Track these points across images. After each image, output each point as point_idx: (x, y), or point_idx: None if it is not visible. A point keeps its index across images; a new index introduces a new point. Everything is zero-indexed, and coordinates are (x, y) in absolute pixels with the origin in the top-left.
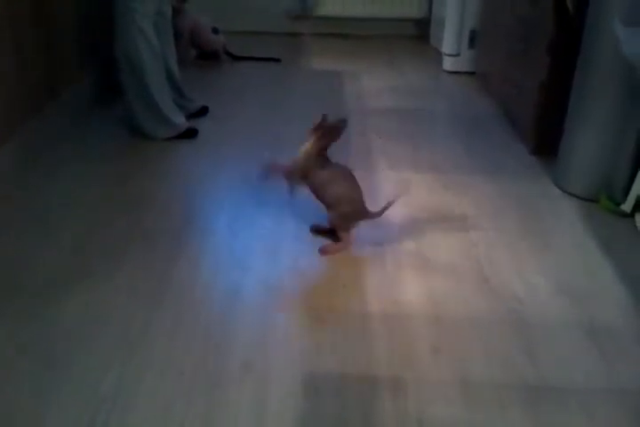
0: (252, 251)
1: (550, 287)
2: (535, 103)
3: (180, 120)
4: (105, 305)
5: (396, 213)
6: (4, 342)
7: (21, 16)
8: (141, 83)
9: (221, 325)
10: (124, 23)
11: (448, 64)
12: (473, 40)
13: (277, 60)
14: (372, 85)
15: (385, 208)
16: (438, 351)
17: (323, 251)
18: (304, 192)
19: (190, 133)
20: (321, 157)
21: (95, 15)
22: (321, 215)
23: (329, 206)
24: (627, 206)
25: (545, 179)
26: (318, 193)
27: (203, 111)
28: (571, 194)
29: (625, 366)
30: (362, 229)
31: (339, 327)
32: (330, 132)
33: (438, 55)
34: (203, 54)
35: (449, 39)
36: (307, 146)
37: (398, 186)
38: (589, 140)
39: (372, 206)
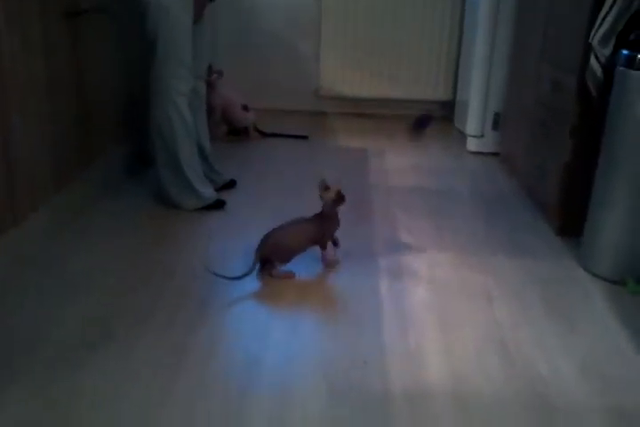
0: (272, 324)
1: (577, 371)
2: (560, 184)
3: (209, 192)
4: (125, 374)
5: (419, 291)
6: (25, 406)
7: (61, 86)
8: (173, 156)
9: (240, 398)
10: (161, 99)
11: (472, 145)
12: (497, 122)
13: (305, 138)
14: (397, 163)
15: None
16: None
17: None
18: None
19: (218, 204)
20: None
21: (132, 88)
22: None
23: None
24: None
25: (570, 260)
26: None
27: (231, 184)
28: (597, 276)
29: None
30: (386, 305)
31: (358, 406)
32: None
33: (462, 136)
34: (233, 130)
35: (473, 121)
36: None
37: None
38: (614, 221)
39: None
